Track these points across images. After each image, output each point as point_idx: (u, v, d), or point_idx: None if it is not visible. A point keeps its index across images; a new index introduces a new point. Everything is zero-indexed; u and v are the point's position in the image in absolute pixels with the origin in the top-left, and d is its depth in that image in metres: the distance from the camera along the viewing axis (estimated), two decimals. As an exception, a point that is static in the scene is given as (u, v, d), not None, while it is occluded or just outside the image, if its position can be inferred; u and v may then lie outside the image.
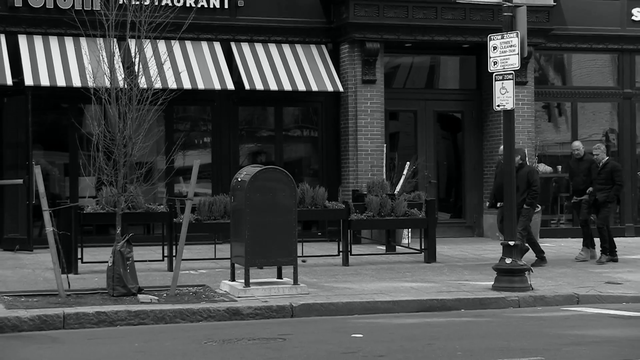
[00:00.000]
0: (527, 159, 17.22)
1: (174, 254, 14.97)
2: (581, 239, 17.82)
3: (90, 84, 13.20)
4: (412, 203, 17.42)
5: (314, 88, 19.91)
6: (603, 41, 22.20)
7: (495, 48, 13.94)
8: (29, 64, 18.36)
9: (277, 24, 20.20)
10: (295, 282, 13.11)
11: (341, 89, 20.24)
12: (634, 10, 22.32)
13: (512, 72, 13.82)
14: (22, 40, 18.66)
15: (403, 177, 19.27)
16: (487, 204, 17.86)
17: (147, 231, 19.33)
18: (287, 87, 19.67)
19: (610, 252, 17.37)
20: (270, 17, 20.16)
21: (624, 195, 22.38)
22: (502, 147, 16.91)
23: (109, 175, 12.80)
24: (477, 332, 11.18)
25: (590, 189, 17.28)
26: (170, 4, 17.84)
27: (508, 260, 13.69)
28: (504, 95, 13.85)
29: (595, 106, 22.90)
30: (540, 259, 16.64)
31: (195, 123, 21.12)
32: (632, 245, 20.52)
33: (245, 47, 20.03)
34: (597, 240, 17.54)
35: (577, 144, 18.05)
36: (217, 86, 19.22)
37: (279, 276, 13.50)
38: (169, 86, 14.69)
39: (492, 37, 14.04)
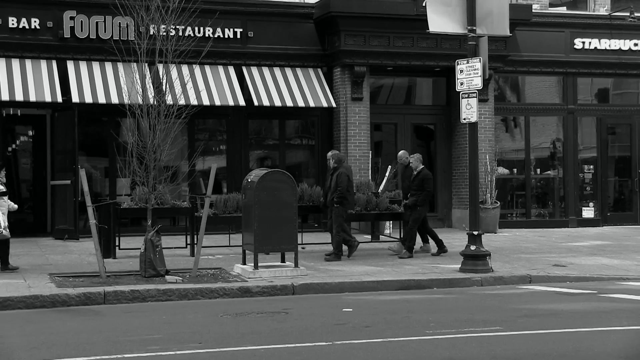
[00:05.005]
0: (342, 162, 15.63)
1: (195, 242, 14.97)
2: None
3: (126, 101, 13.19)
4: (393, 200, 17.35)
5: (312, 104, 19.90)
6: (551, 65, 22.24)
7: (461, 71, 13.95)
8: (76, 84, 18.35)
9: (280, 51, 20.19)
10: (296, 265, 13.12)
11: (334, 105, 20.23)
12: (576, 40, 22.35)
13: (476, 91, 13.83)
14: (70, 65, 18.65)
15: (385, 178, 19.21)
16: (322, 202, 16.04)
17: (172, 223, 19.27)
18: (289, 103, 19.66)
19: (439, 246, 16.09)
20: (275, 45, 20.15)
21: (568, 193, 22.50)
22: (331, 152, 16.00)
23: (141, 177, 12.80)
24: (446, 306, 11.20)
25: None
26: (192, 35, 17.75)
27: (472, 247, 13.70)
28: (469, 110, 13.85)
29: (544, 119, 22.90)
30: (348, 249, 15.50)
31: (212, 133, 21.08)
32: (574, 234, 20.53)
33: (254, 70, 20.02)
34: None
35: (401, 153, 16.95)
36: (231, 102, 19.21)
37: (282, 260, 13.51)
38: (191, 103, 14.63)
39: (459, 62, 14.05)
